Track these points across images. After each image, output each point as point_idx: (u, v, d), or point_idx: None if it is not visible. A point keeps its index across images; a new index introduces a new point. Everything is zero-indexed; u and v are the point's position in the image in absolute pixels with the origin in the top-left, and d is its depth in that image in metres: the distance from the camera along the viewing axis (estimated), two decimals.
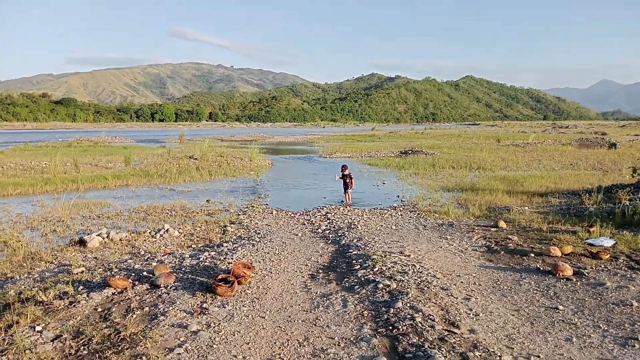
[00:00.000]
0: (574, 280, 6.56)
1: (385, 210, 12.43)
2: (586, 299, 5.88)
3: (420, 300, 5.70)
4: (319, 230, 10.34)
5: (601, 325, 5.12)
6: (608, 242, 8.30)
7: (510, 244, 8.58)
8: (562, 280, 6.56)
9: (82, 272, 7.00)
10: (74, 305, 5.61)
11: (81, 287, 6.30)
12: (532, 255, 7.84)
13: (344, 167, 14.34)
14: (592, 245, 8.26)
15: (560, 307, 5.63)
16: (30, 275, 6.99)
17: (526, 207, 12.22)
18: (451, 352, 4.42)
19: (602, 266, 7.18)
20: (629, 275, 6.69)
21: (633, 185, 13.28)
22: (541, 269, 7.11)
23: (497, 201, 13.20)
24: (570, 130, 73.51)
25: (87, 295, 5.89)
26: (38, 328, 4.93)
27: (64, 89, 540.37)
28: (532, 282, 6.55)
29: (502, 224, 10.10)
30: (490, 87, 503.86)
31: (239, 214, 12.08)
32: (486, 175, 19.46)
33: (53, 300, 5.75)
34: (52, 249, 8.63)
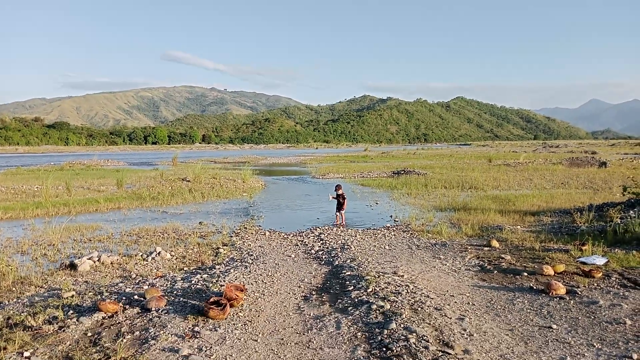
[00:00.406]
0: (567, 299, 6.55)
1: (379, 231, 12.42)
2: (579, 318, 5.87)
3: (414, 321, 5.67)
4: (312, 251, 10.31)
5: (595, 344, 5.11)
6: (600, 260, 8.32)
7: (503, 263, 8.58)
8: (555, 299, 6.55)
9: (72, 296, 6.91)
10: (64, 330, 5.53)
11: (71, 311, 6.21)
12: (525, 274, 7.84)
13: (337, 187, 14.38)
14: (584, 263, 8.28)
15: (554, 326, 5.61)
16: (20, 300, 6.89)
17: (518, 226, 12.26)
18: None
19: (595, 284, 7.19)
20: (621, 293, 6.70)
21: (624, 203, 13.37)
22: (534, 288, 7.10)
23: (489, 220, 13.24)
24: (561, 150, 74.18)
25: (77, 320, 5.81)
26: (26, 354, 4.84)
27: (57, 113, 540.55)
28: (526, 302, 6.54)
29: (494, 243, 10.12)
30: (481, 108, 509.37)
31: (231, 236, 12.02)
32: (478, 194, 19.54)
33: (42, 325, 5.67)
34: (42, 273, 8.53)
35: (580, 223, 12.04)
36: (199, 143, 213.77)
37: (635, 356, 4.76)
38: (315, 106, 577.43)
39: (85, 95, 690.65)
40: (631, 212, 12.14)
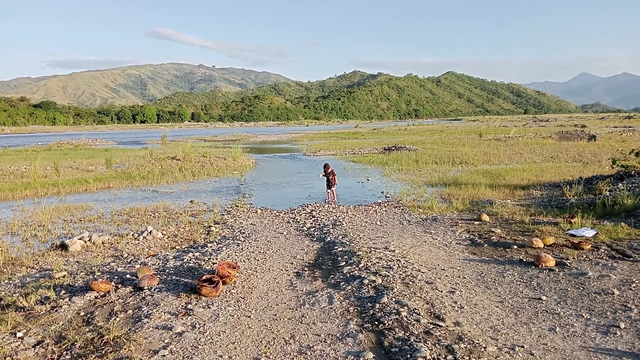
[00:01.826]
0: (557, 270, 6.64)
1: (370, 207, 12.45)
2: (569, 289, 5.95)
3: (405, 295, 5.72)
4: (304, 228, 10.33)
5: (584, 314, 5.19)
6: (589, 233, 8.42)
7: (494, 237, 8.65)
8: (544, 271, 6.64)
9: (64, 276, 6.90)
10: (56, 310, 5.53)
11: (63, 291, 6.21)
12: (515, 247, 7.92)
13: (326, 166, 14.35)
14: (573, 235, 8.37)
15: (544, 298, 5.69)
16: (11, 281, 6.86)
17: (508, 200, 12.35)
18: (437, 345, 4.45)
19: (584, 256, 7.27)
20: (610, 265, 6.79)
21: (613, 176, 13.50)
22: (524, 260, 7.18)
23: (480, 195, 13.31)
24: (551, 124, 74.49)
25: (70, 300, 5.81)
26: (19, 334, 4.84)
27: (43, 92, 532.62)
28: (516, 274, 6.61)
29: (485, 217, 10.19)
30: (472, 83, 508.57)
31: (223, 214, 12.00)
32: (469, 169, 19.62)
33: (34, 305, 5.66)
34: (33, 253, 8.48)
35: (570, 196, 12.15)
36: (188, 121, 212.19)
37: (622, 325, 4.85)
38: (305, 82, 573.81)
39: (71, 73, 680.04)
40: (620, 184, 12.27)
